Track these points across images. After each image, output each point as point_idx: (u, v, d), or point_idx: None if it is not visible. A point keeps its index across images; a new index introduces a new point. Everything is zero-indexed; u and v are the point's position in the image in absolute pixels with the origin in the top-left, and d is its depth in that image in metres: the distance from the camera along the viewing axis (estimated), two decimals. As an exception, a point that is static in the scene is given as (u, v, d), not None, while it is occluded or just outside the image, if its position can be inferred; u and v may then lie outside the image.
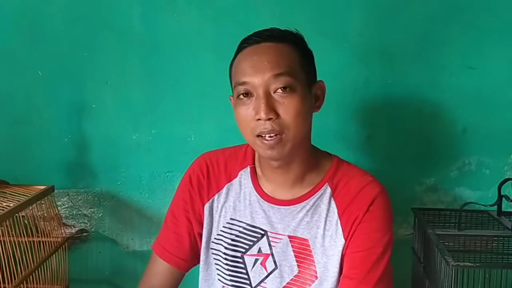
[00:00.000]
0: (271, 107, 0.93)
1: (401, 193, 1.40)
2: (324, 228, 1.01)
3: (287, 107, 0.93)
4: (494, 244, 1.19)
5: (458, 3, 1.34)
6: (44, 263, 1.21)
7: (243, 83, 0.94)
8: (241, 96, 0.95)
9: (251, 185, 1.06)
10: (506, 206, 1.29)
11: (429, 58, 1.36)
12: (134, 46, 1.37)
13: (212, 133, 1.39)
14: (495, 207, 1.29)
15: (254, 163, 1.08)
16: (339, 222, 1.01)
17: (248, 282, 1.05)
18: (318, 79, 1.03)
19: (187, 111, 1.39)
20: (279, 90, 0.93)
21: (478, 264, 1.08)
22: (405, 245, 1.40)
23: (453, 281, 1.03)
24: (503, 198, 1.26)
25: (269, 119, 0.92)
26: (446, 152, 1.40)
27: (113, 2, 1.35)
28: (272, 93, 0.94)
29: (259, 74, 0.93)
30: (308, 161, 1.03)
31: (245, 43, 0.99)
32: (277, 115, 0.93)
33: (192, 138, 1.40)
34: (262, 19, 1.31)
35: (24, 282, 1.11)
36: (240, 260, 1.06)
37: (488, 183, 1.39)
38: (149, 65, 1.37)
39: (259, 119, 0.93)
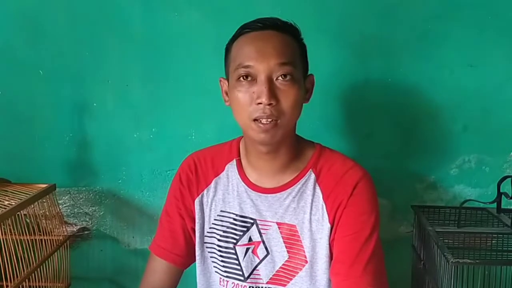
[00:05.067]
0: (273, 93, 0.95)
1: (401, 191, 1.40)
2: (311, 213, 1.04)
3: (287, 94, 0.96)
4: (493, 241, 1.20)
5: (458, 1, 1.34)
6: (46, 261, 1.21)
7: (247, 67, 0.96)
8: (241, 79, 0.97)
9: (238, 176, 1.09)
10: (505, 203, 1.30)
11: (429, 56, 1.36)
12: (135, 45, 1.37)
13: (213, 131, 1.40)
14: (495, 204, 1.30)
15: (239, 156, 1.10)
16: (324, 206, 1.03)
17: (240, 273, 1.08)
18: (315, 75, 1.06)
19: (188, 110, 1.39)
20: (280, 78, 0.96)
21: (477, 261, 1.09)
22: (405, 242, 1.40)
23: (452, 278, 1.04)
24: (503, 195, 1.26)
25: (270, 104, 0.94)
26: (446, 149, 1.40)
27: (114, 2, 1.35)
28: (274, 79, 0.96)
29: (264, 59, 0.95)
30: (294, 149, 1.06)
31: (247, 28, 1.01)
32: (277, 101, 0.96)
33: (193, 136, 1.41)
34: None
35: (26, 280, 1.11)
36: (233, 251, 1.08)
37: (487, 180, 1.39)
38: (150, 64, 1.38)
39: (259, 103, 0.95)
